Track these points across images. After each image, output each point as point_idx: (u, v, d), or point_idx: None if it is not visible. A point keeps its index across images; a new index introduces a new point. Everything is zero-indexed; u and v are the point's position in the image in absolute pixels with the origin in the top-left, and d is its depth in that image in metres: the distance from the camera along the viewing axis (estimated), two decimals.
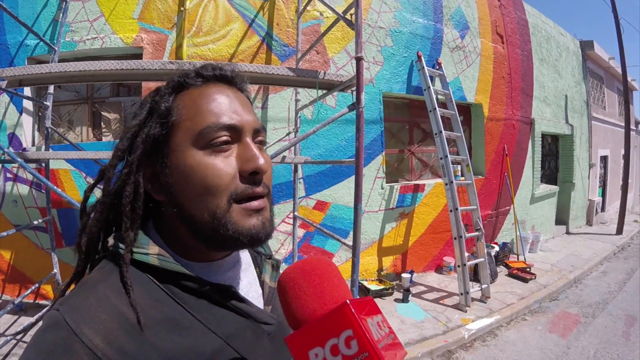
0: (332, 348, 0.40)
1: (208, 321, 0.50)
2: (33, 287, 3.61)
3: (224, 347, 0.51)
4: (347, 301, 0.41)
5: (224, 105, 0.54)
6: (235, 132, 0.53)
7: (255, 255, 0.70)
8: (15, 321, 3.49)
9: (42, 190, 3.81)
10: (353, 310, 0.40)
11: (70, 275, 0.57)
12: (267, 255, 0.71)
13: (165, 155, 0.53)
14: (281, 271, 0.54)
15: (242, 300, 0.56)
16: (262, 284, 0.66)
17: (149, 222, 0.57)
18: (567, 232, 8.36)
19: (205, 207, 0.51)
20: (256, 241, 0.53)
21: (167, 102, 0.54)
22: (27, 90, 3.86)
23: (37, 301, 3.90)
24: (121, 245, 0.51)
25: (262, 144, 0.58)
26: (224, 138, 0.52)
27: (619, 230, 8.38)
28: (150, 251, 0.51)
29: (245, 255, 0.66)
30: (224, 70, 0.58)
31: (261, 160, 0.52)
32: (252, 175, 0.52)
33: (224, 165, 0.51)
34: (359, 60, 2.41)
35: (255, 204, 0.53)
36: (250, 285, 0.63)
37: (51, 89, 3.66)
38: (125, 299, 0.46)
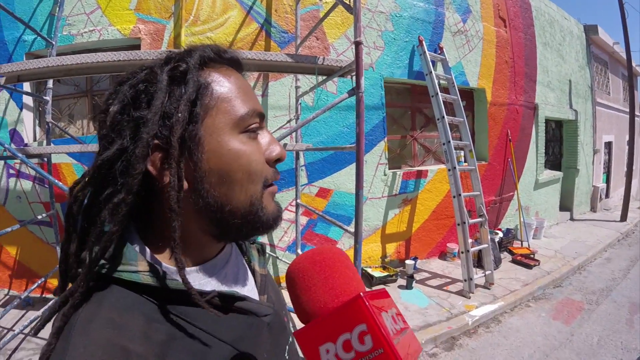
0: (345, 344, 0.38)
1: (213, 329, 0.48)
2: (39, 282, 3.65)
3: (232, 352, 0.49)
4: (361, 293, 0.39)
5: (250, 92, 0.53)
6: (262, 120, 0.54)
7: (240, 243, 0.67)
8: (22, 316, 3.52)
9: (45, 185, 3.83)
10: (367, 303, 0.38)
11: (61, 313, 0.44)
12: (251, 240, 0.68)
13: (199, 138, 0.47)
14: (272, 259, 0.52)
15: (243, 298, 0.53)
16: (252, 272, 0.64)
17: (130, 226, 0.50)
18: (571, 219, 8.32)
19: (245, 192, 0.49)
20: (277, 223, 0.54)
21: (198, 78, 0.48)
22: (27, 86, 3.85)
23: (43, 295, 3.93)
24: (106, 264, 0.45)
25: None
26: (257, 125, 0.52)
27: (623, 217, 8.32)
28: (140, 268, 0.46)
29: (233, 247, 0.63)
30: (238, 55, 0.55)
31: (282, 148, 0.54)
32: (275, 162, 0.54)
33: (259, 151, 0.52)
34: (358, 44, 2.39)
35: (275, 188, 0.54)
36: (244, 278, 0.60)
37: (50, 83, 3.64)
38: (124, 331, 0.41)
